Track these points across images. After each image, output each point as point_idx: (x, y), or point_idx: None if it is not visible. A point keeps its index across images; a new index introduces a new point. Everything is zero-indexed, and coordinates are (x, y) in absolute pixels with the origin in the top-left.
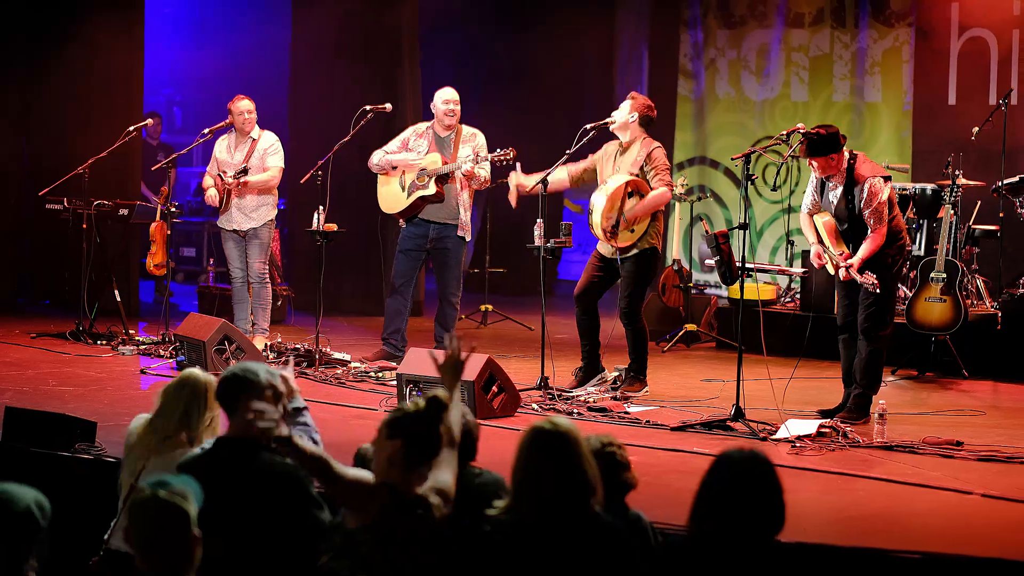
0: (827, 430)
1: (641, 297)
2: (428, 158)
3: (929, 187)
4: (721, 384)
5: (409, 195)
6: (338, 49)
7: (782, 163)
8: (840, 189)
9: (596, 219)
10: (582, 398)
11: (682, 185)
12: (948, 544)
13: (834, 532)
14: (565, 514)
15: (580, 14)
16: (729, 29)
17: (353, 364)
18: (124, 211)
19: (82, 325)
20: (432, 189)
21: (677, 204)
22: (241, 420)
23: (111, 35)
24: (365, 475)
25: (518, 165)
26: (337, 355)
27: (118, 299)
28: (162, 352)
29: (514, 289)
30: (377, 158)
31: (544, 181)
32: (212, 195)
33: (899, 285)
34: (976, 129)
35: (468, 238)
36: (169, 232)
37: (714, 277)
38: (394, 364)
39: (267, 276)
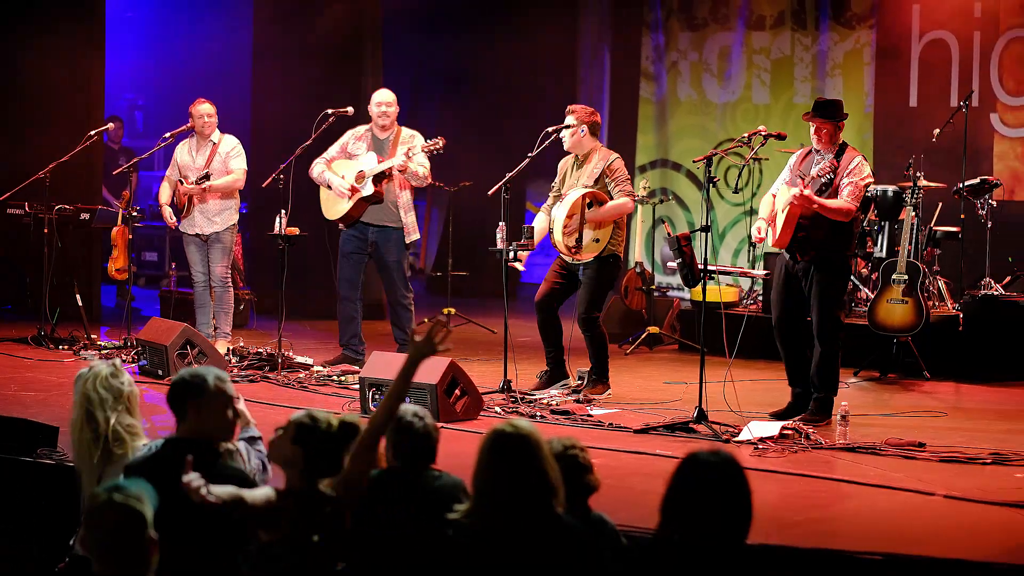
0: (790, 432)
1: (599, 304)
2: (364, 159)
3: (890, 189)
4: (683, 386)
5: (350, 198)
6: (300, 52)
7: (744, 165)
8: (825, 162)
9: (558, 236)
10: (545, 401)
11: (644, 188)
12: (910, 545)
13: (797, 534)
14: (526, 516)
15: (542, 17)
16: (691, 31)
17: (316, 368)
18: (86, 215)
19: (44, 330)
20: (370, 189)
21: (639, 207)
22: (189, 424)
23: (71, 39)
24: (271, 493)
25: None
26: (300, 359)
27: (80, 304)
28: (124, 357)
29: (476, 292)
30: (316, 171)
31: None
32: (168, 214)
33: (861, 287)
34: (937, 131)
35: (414, 238)
36: (131, 236)
37: (676, 279)
38: (356, 368)
39: (229, 280)
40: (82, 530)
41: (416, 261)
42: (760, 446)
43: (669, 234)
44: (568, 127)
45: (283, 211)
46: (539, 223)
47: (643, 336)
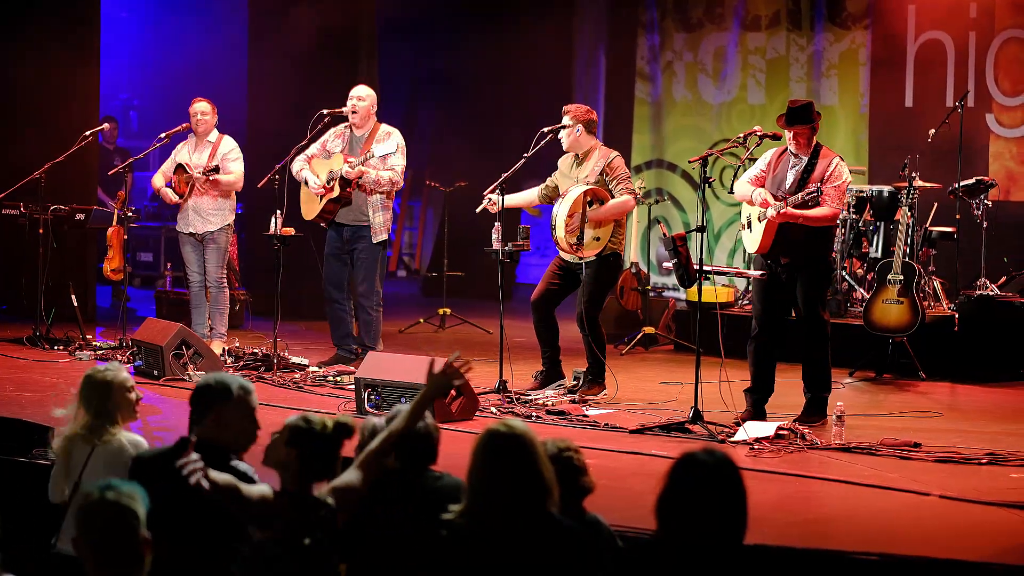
0: (785, 432)
1: (600, 303)
2: (336, 160)
3: (886, 189)
4: (679, 387)
5: (321, 199)
6: (295, 53)
7: (739, 166)
8: (801, 166)
9: (559, 233)
10: (540, 401)
11: (640, 188)
12: (906, 545)
13: (792, 534)
14: (521, 517)
15: (537, 17)
16: (686, 32)
17: (311, 368)
18: (81, 216)
19: (39, 330)
20: (336, 191)
21: (635, 207)
22: (207, 428)
23: (66, 39)
24: (267, 491)
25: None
26: (295, 359)
27: (75, 304)
28: (119, 357)
29: (472, 293)
30: (296, 168)
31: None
32: (168, 192)
33: (856, 287)
34: (933, 131)
35: (381, 239)
36: (126, 237)
37: (672, 280)
38: (352, 368)
39: (224, 281)
40: (73, 530)
41: (411, 262)
42: (756, 446)
43: (665, 234)
44: (564, 127)
45: (278, 211)
46: (518, 197)
47: (639, 336)
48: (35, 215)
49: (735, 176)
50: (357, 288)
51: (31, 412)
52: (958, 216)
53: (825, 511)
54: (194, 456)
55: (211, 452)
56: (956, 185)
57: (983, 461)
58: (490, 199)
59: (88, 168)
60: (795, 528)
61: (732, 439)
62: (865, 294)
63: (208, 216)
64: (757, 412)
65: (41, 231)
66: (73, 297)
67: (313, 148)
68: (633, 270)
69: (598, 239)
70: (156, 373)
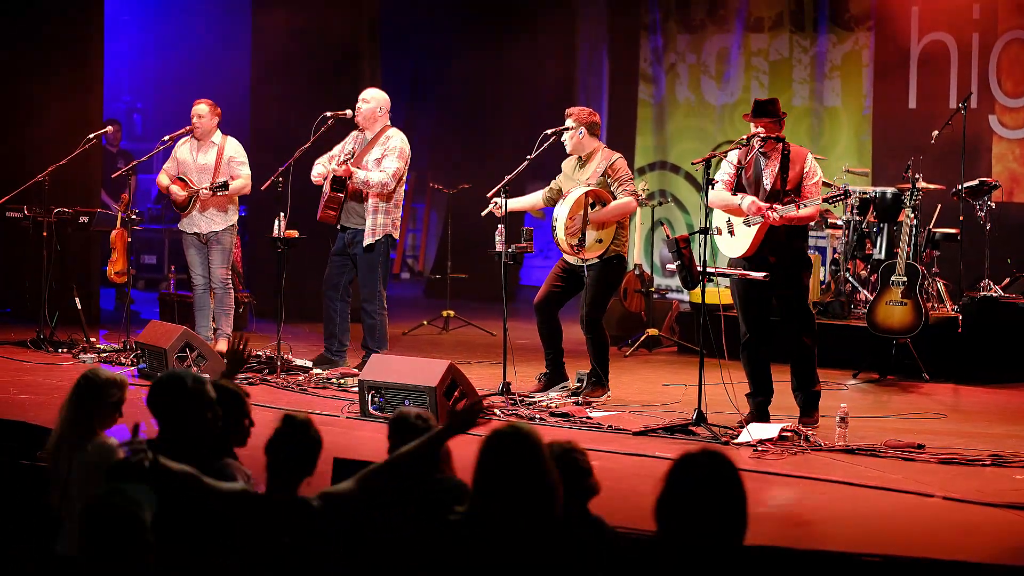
0: (789, 434)
1: (603, 305)
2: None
3: (889, 191)
4: (683, 388)
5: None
6: (298, 55)
7: (742, 167)
8: (776, 166)
9: (560, 234)
10: (544, 403)
11: (643, 190)
12: (909, 547)
13: (795, 535)
14: (525, 517)
15: (540, 19)
16: (689, 34)
17: (315, 371)
18: (84, 219)
19: (43, 333)
20: (329, 192)
21: (638, 209)
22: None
23: (69, 42)
24: (238, 487)
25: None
26: (299, 362)
27: (79, 307)
28: (123, 360)
29: (476, 295)
30: (314, 171)
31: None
32: (176, 190)
33: (860, 288)
34: (936, 133)
35: (368, 242)
36: (130, 239)
37: (675, 282)
38: (356, 370)
39: (230, 282)
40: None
41: (415, 264)
42: (759, 448)
43: (668, 236)
44: (567, 129)
45: (282, 214)
46: (522, 201)
47: (642, 338)
48: (39, 218)
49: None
50: (360, 292)
51: (35, 415)
52: (961, 217)
53: (828, 512)
54: (141, 439)
55: (191, 448)
56: (959, 187)
57: (987, 463)
58: (495, 203)
59: (92, 171)
60: (798, 529)
61: (736, 441)
62: (869, 296)
63: (212, 217)
64: (762, 414)
65: (45, 234)
66: (77, 300)
67: (335, 149)
68: (636, 272)
69: (600, 241)
70: (160, 376)
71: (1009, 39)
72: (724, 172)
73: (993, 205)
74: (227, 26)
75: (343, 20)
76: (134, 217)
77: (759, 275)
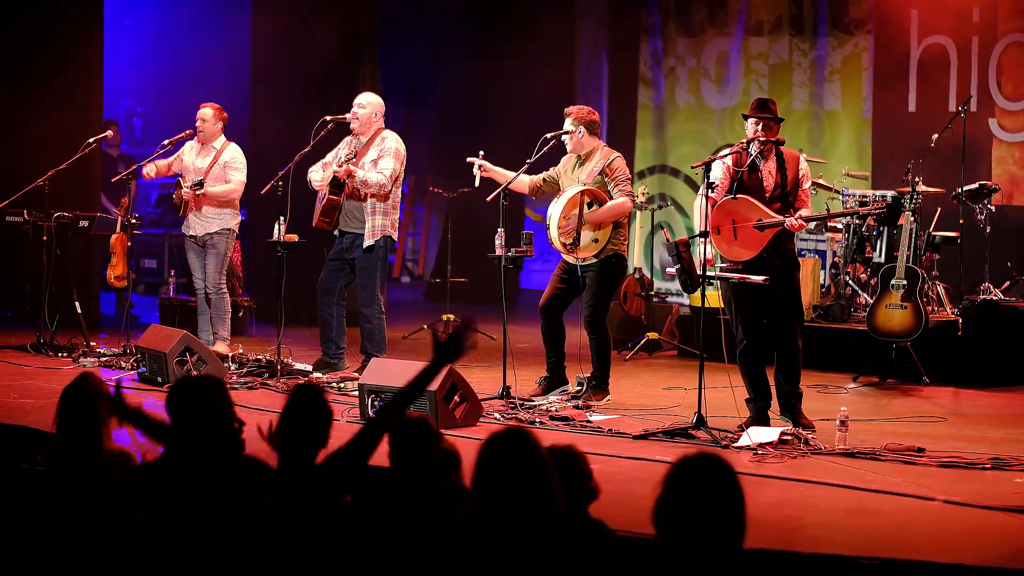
0: (788, 438)
1: (605, 305)
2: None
3: (889, 194)
4: (683, 392)
5: (319, 204)
6: (298, 59)
7: (741, 171)
8: (774, 167)
9: (553, 232)
10: (544, 407)
11: (643, 193)
12: (909, 550)
13: (795, 539)
14: (525, 519)
15: (540, 23)
16: (689, 37)
17: (315, 375)
18: (84, 223)
19: (43, 337)
20: (327, 196)
21: (638, 212)
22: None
23: (70, 46)
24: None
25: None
26: (299, 366)
27: (79, 311)
28: (123, 364)
29: (476, 298)
30: (310, 176)
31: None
32: (150, 168)
33: (860, 292)
34: (936, 136)
35: (370, 243)
36: (130, 244)
37: (675, 285)
38: (356, 374)
39: (224, 287)
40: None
41: (415, 267)
42: (759, 452)
43: (668, 240)
44: (567, 133)
45: (282, 218)
46: (507, 174)
47: (642, 342)
48: (39, 222)
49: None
50: (357, 296)
51: (35, 419)
52: (961, 221)
53: (828, 516)
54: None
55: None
56: (959, 190)
57: (987, 466)
58: (479, 164)
59: (91, 175)
60: (798, 533)
61: (736, 444)
62: (869, 299)
63: (208, 219)
64: (762, 419)
65: (45, 238)
66: (77, 304)
67: (329, 155)
68: (636, 275)
69: (596, 241)
70: (160, 380)
71: (1009, 42)
72: (716, 178)
73: (993, 208)
74: (226, 30)
75: (342, 24)
76: (134, 221)
77: (759, 278)
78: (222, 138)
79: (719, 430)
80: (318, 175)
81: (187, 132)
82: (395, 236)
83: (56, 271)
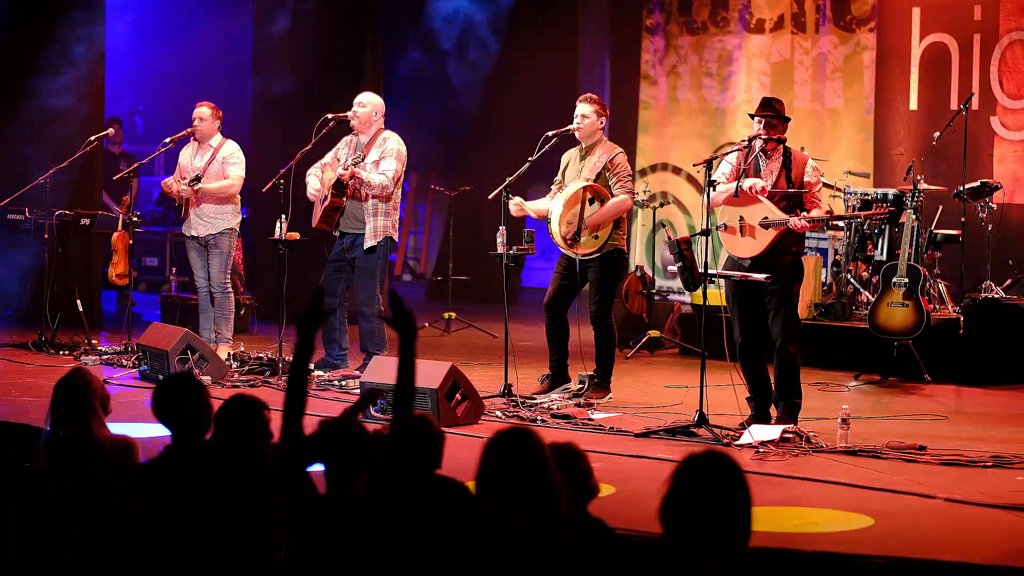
0: (790, 436)
1: (610, 300)
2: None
3: (891, 192)
4: (684, 390)
5: (320, 205)
6: (300, 57)
7: (744, 169)
8: (778, 167)
9: (555, 227)
10: (546, 405)
11: (644, 192)
12: (911, 548)
13: (797, 537)
14: (528, 518)
15: (541, 21)
16: (691, 35)
17: (316, 373)
18: (86, 221)
19: (44, 335)
20: (329, 198)
21: (639, 210)
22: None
23: (72, 43)
24: None
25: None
26: None
27: (80, 309)
28: (125, 362)
29: (477, 297)
30: (307, 179)
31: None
32: (168, 183)
33: (861, 290)
34: (937, 134)
35: (370, 244)
36: (131, 242)
37: (677, 283)
38: (357, 372)
39: (228, 286)
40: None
41: (416, 266)
42: (761, 450)
43: (670, 238)
44: (569, 130)
45: (283, 216)
46: (536, 204)
47: (644, 340)
48: (40, 220)
49: (739, 180)
50: (357, 296)
51: (36, 418)
52: (963, 219)
53: (830, 514)
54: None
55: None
56: (961, 188)
57: (989, 464)
58: (516, 202)
59: (93, 173)
60: (800, 531)
61: (737, 442)
62: (870, 297)
63: (210, 219)
64: (763, 417)
65: (46, 236)
66: (78, 302)
67: (327, 156)
68: (638, 274)
69: (597, 237)
70: (161, 378)
71: (1011, 40)
72: (722, 173)
73: (994, 206)
74: (229, 29)
75: (345, 23)
76: (135, 219)
77: (760, 276)
78: (219, 136)
79: (721, 428)
80: (314, 181)
81: (188, 130)
82: (396, 236)
83: (58, 269)
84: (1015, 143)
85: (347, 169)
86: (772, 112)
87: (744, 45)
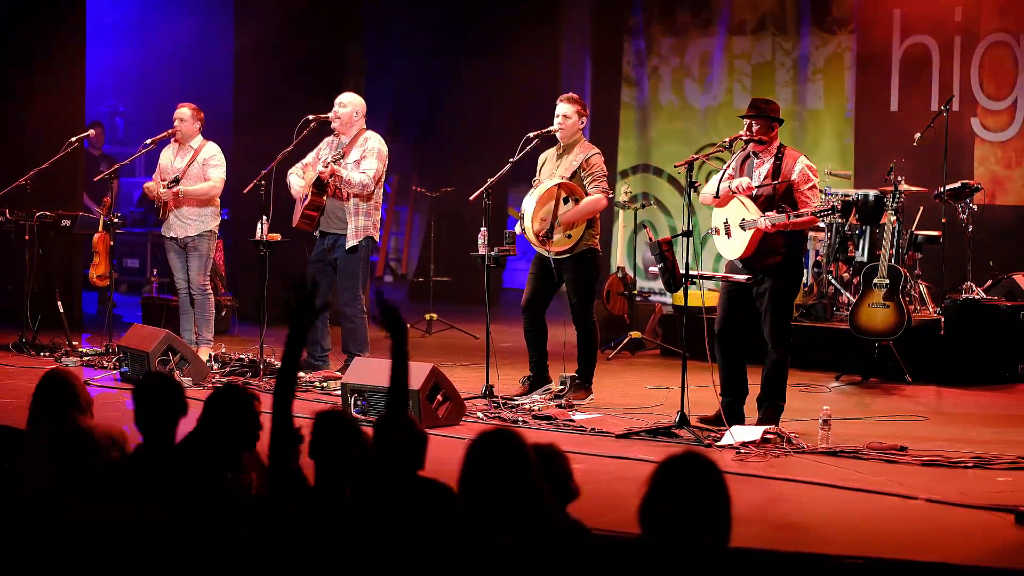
0: (771, 436)
1: (590, 300)
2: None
3: (872, 193)
4: (666, 391)
5: (301, 204)
6: (282, 59)
7: (725, 170)
8: (768, 166)
9: (527, 223)
10: (527, 406)
11: (626, 193)
12: (892, 549)
13: (778, 538)
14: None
15: (523, 23)
16: (672, 37)
17: (299, 374)
18: (67, 222)
19: (25, 337)
20: (310, 197)
21: (621, 212)
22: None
23: (52, 45)
24: None
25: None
26: None
27: (61, 310)
28: (105, 363)
29: (459, 298)
30: (288, 178)
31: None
32: (150, 185)
33: (842, 291)
34: (918, 135)
35: (354, 243)
36: (112, 243)
37: (658, 284)
38: (338, 373)
39: (208, 288)
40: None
41: (398, 267)
42: (742, 450)
43: (651, 239)
44: (550, 131)
45: (264, 217)
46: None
47: (625, 341)
48: (21, 221)
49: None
50: (340, 296)
51: (17, 419)
52: (944, 220)
53: (811, 515)
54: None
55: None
56: (942, 189)
57: (969, 464)
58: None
59: (74, 174)
60: (781, 532)
61: (719, 443)
62: (851, 298)
63: (188, 221)
64: (731, 416)
65: (27, 237)
66: (59, 303)
67: (308, 157)
68: (619, 275)
69: (570, 236)
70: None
71: (991, 42)
72: (721, 176)
73: (975, 207)
74: (210, 30)
75: (327, 25)
76: (116, 220)
77: (741, 278)
78: (199, 138)
79: (702, 428)
80: (297, 180)
81: (169, 131)
82: (377, 237)
83: (38, 270)
84: (996, 144)
85: (327, 167)
86: (755, 111)
87: (725, 46)
